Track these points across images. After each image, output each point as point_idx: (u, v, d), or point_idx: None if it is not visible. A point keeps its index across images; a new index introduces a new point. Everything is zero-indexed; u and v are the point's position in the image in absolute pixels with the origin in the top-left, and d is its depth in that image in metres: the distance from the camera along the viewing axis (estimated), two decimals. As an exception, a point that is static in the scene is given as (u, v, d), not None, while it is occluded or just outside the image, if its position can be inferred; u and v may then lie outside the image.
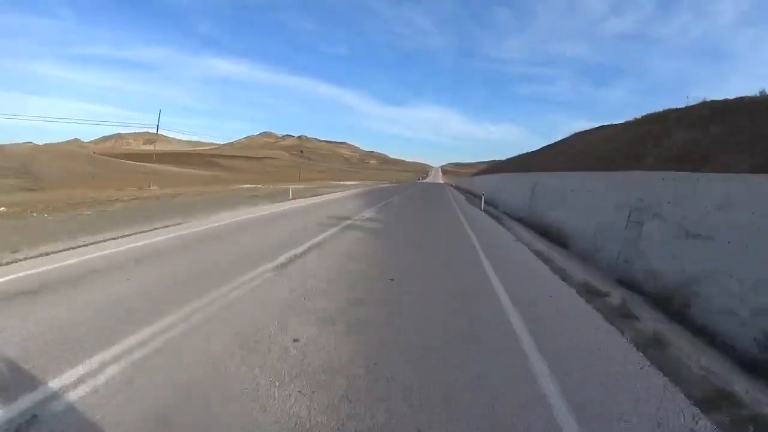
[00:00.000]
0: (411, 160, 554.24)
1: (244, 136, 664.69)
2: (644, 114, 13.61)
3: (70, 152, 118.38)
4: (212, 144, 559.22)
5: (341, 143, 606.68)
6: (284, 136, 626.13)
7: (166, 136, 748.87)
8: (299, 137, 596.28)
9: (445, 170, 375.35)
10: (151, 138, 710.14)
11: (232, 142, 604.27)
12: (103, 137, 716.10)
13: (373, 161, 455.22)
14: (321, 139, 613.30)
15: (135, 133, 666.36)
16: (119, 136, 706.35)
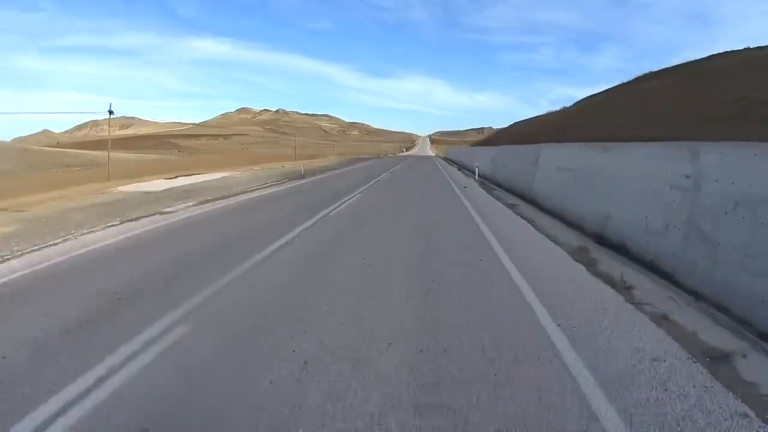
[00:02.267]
0: (396, 130, 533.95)
1: (220, 113, 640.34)
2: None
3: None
4: (189, 124, 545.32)
5: (323, 115, 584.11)
6: (261, 111, 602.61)
7: (144, 120, 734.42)
8: (276, 111, 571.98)
9: (433, 140, 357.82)
10: (126, 123, 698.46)
11: (206, 121, 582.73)
12: (78, 126, 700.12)
13: (355, 132, 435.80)
14: (302, 112, 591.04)
15: (110, 119, 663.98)
16: (95, 123, 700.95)
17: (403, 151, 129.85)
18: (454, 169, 36.08)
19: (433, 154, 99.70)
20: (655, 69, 31.49)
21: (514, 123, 64.36)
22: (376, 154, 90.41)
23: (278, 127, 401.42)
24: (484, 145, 49.60)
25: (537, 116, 53.69)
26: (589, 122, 25.67)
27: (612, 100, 31.86)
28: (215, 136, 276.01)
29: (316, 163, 48.90)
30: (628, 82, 34.58)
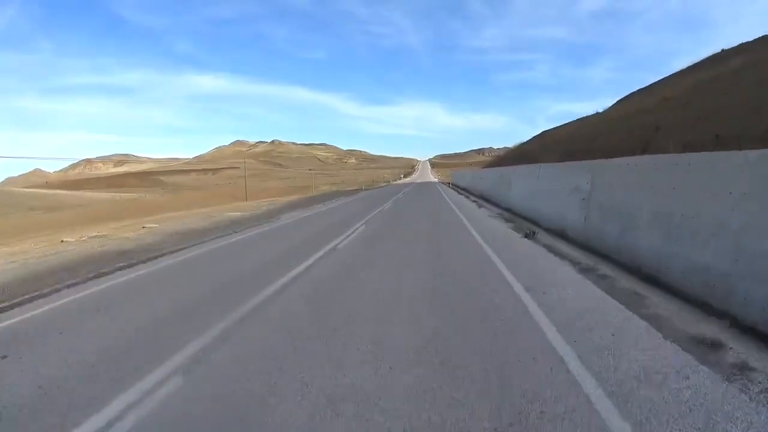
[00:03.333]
0: (395, 156, 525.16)
1: (214, 147, 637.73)
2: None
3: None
4: (183, 160, 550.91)
5: (319, 145, 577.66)
6: (256, 143, 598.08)
7: (138, 157, 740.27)
8: (271, 142, 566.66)
9: (434, 163, 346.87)
10: (121, 160, 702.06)
11: (201, 155, 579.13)
12: (73, 164, 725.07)
13: (352, 160, 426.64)
14: (298, 142, 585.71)
15: (103, 157, 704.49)
16: (88, 161, 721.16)
17: (401, 178, 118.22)
18: (470, 205, 23.67)
19: (436, 180, 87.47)
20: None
21: (537, 136, 52.56)
22: (369, 183, 78.57)
23: (272, 158, 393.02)
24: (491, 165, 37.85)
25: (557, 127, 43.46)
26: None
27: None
28: (205, 171, 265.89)
29: (285, 199, 37.34)
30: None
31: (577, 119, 38.61)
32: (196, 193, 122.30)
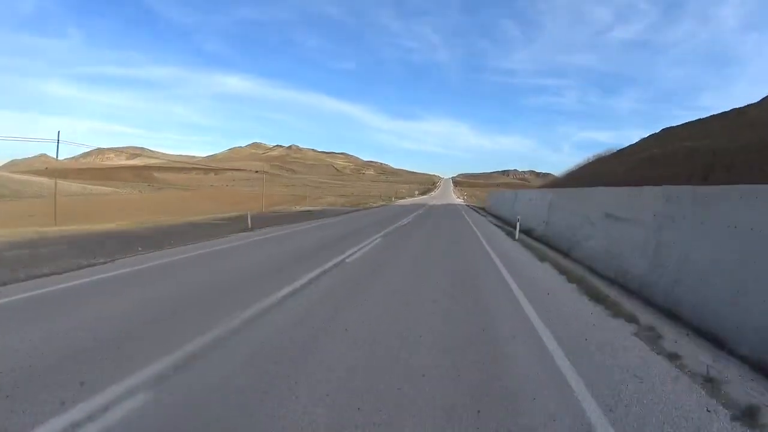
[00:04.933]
0: (417, 171, 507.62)
1: (229, 147, 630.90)
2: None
3: None
4: (198, 157, 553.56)
5: (339, 153, 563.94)
6: (274, 146, 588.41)
7: (153, 151, 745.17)
8: (289, 147, 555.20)
9: (457, 182, 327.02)
10: (134, 153, 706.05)
11: (215, 155, 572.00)
12: (84, 153, 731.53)
13: (370, 172, 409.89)
14: (319, 150, 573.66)
15: (116, 148, 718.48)
16: (100, 150, 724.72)
17: (415, 195, 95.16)
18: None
19: (461, 201, 68.36)
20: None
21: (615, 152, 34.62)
22: (370, 200, 61.69)
23: (286, 163, 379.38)
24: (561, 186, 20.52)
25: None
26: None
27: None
28: (206, 171, 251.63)
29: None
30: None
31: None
32: (181, 194, 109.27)
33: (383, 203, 49.27)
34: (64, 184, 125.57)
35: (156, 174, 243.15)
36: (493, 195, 42.49)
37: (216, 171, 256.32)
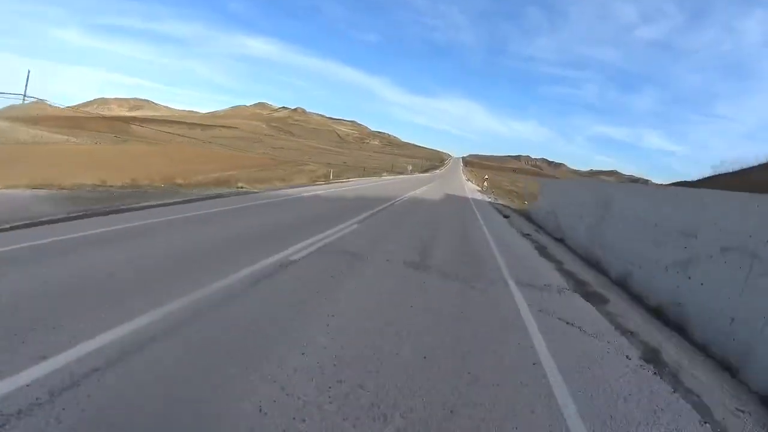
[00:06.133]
0: (426, 147, 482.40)
1: (232, 105, 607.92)
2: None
3: None
4: (201, 113, 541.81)
5: (348, 121, 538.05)
6: (280, 108, 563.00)
7: (156, 104, 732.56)
8: (294, 110, 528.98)
9: (468, 161, 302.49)
10: (137, 105, 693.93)
11: (215, 111, 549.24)
12: (87, 102, 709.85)
13: (375, 142, 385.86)
14: (327, 116, 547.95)
15: (119, 99, 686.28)
16: (103, 100, 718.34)
17: (408, 171, 69.52)
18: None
19: (476, 194, 35.35)
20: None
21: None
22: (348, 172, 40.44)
23: (285, 125, 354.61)
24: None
25: None
26: None
27: None
28: (192, 126, 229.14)
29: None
30: None
31: None
32: (141, 148, 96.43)
33: (346, 182, 27.45)
34: (22, 130, 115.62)
35: (134, 126, 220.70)
36: (548, 189, 20.53)
37: (203, 127, 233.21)
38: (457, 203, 22.36)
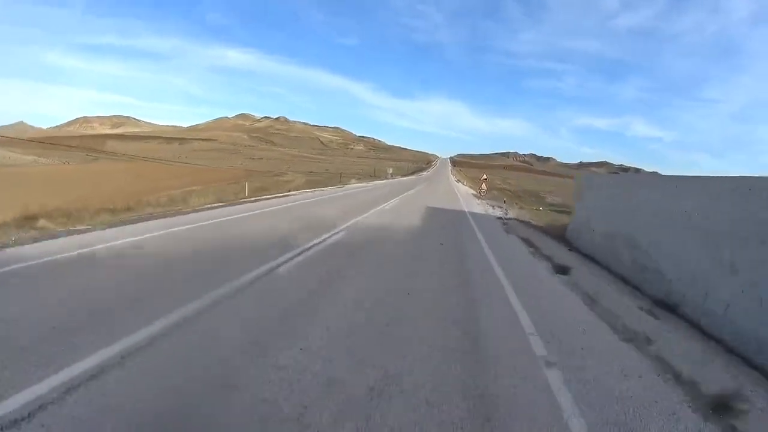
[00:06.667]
0: (412, 149, 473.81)
1: (214, 118, 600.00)
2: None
3: None
4: (181, 127, 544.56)
5: (332, 128, 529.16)
6: (262, 118, 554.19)
7: (137, 120, 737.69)
8: (276, 119, 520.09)
9: (456, 161, 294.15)
10: (119, 122, 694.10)
11: (196, 125, 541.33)
12: (69, 121, 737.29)
13: (359, 147, 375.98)
14: (310, 123, 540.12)
15: (101, 117, 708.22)
16: (85, 119, 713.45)
17: (388, 176, 58.87)
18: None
19: (469, 200, 23.19)
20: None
21: None
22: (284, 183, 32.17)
23: (267, 135, 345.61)
24: None
25: None
26: None
27: None
28: (170, 141, 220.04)
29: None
30: None
31: None
32: (110, 166, 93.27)
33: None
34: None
35: (110, 143, 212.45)
36: (605, 189, 12.18)
37: (180, 141, 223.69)
38: (447, 230, 12.98)
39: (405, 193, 26.64)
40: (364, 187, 32.45)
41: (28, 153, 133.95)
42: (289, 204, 15.43)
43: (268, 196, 18.16)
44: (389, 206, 17.31)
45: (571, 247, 12.30)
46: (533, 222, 17.91)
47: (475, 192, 38.19)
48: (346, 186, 31.94)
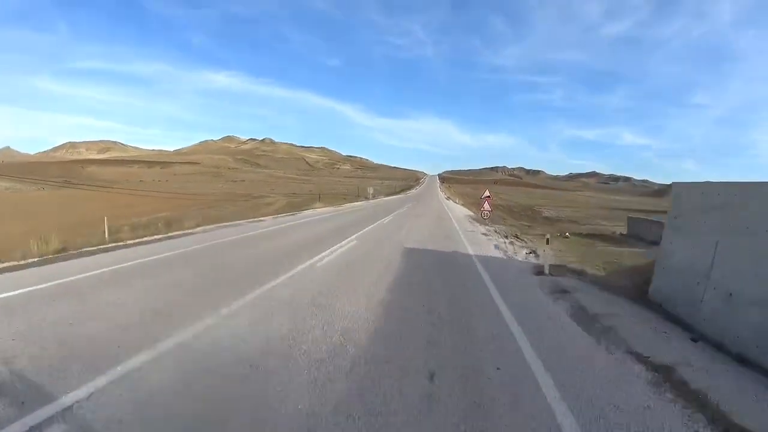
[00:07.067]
0: (400, 167, 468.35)
1: (200, 141, 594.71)
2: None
3: None
4: (168, 151, 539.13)
5: (318, 148, 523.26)
6: (247, 140, 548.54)
7: (124, 145, 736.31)
8: (262, 140, 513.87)
9: (444, 178, 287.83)
10: (106, 147, 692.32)
11: (181, 148, 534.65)
12: (56, 147, 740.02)
13: (346, 166, 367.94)
14: (297, 144, 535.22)
15: (88, 142, 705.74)
16: (72, 144, 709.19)
17: (369, 196, 50.97)
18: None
19: (468, 227, 19.91)
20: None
21: None
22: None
23: (252, 157, 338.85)
24: None
25: None
26: None
27: None
28: (151, 165, 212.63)
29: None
30: None
31: None
32: (80, 194, 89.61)
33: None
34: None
35: (89, 168, 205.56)
36: (729, 202, 5.12)
37: (162, 165, 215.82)
38: (443, 332, 5.67)
39: (378, 222, 19.03)
40: (327, 213, 24.72)
41: (4, 179, 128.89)
42: (228, 239, 8.11)
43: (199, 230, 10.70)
44: (334, 255, 9.81)
45: (691, 332, 5.14)
46: (580, 268, 10.45)
47: (472, 213, 30.78)
48: (304, 213, 24.15)
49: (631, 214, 31.26)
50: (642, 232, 22.39)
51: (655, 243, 18.03)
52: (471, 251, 11.92)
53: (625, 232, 24.88)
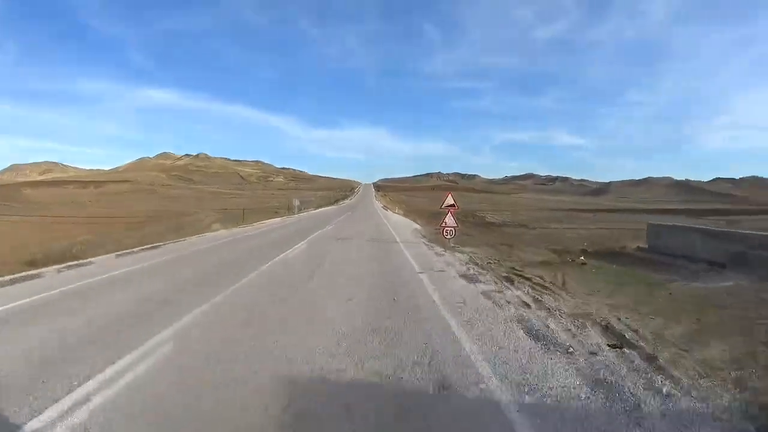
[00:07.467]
0: (335, 177, 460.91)
1: (136, 159, 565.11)
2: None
3: None
4: (106, 171, 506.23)
5: (252, 161, 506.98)
6: (183, 156, 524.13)
7: (65, 166, 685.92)
8: (196, 156, 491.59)
9: (379, 186, 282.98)
10: (48, 168, 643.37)
11: (117, 167, 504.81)
12: (2, 170, 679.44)
13: (279, 179, 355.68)
14: (231, 158, 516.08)
15: (32, 164, 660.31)
16: (16, 167, 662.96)
17: (295, 210, 42.63)
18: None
19: (403, 237, 18.59)
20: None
21: None
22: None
23: (186, 173, 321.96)
24: None
25: None
26: None
27: None
28: (85, 184, 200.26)
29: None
30: None
31: None
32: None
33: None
34: None
35: (27, 191, 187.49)
36: None
37: (96, 184, 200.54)
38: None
39: (290, 250, 12.78)
40: (217, 241, 17.72)
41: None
42: None
43: None
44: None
45: None
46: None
47: (418, 225, 25.12)
48: (164, 247, 15.72)
49: (651, 220, 21.49)
50: (671, 245, 14.22)
51: (709, 262, 11.84)
52: (458, 331, 5.31)
53: (644, 245, 17.12)
